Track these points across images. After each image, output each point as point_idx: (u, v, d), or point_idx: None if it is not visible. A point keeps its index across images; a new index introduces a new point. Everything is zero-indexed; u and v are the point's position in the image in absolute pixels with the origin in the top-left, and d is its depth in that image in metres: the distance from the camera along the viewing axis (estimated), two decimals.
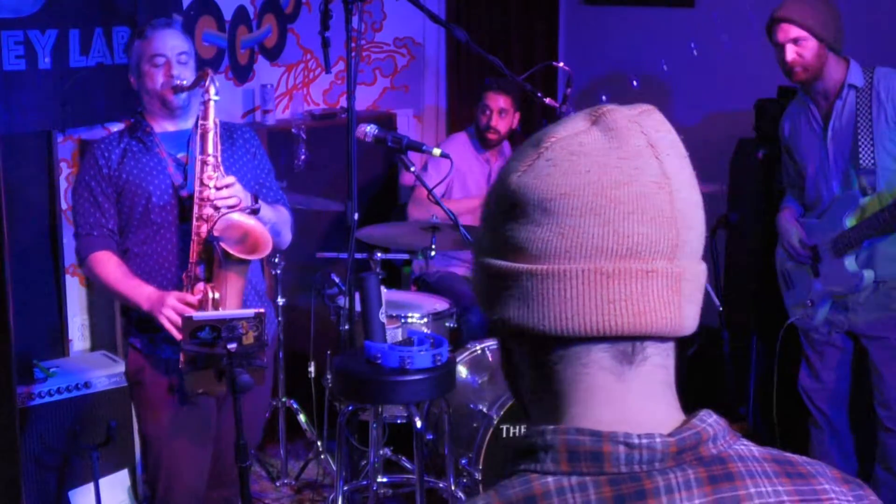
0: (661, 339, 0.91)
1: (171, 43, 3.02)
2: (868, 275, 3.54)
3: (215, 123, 2.98)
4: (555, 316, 0.88)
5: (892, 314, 3.59)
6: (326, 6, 3.35)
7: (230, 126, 3.18)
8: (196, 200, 2.93)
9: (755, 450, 0.92)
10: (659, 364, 0.91)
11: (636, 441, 0.86)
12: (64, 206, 4.06)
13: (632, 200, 0.87)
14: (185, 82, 2.99)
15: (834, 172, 3.58)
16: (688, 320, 0.91)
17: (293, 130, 4.74)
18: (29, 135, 3.92)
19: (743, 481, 0.88)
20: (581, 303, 0.88)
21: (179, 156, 3.06)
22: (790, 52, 3.47)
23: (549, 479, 0.86)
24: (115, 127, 3.93)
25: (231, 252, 2.85)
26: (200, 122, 2.98)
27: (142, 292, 2.96)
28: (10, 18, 3.65)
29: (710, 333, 4.69)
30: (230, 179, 2.94)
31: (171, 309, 2.89)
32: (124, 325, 3.15)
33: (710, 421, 0.90)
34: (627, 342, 0.89)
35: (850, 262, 3.56)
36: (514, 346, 0.95)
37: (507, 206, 0.91)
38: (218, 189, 2.91)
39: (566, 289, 0.88)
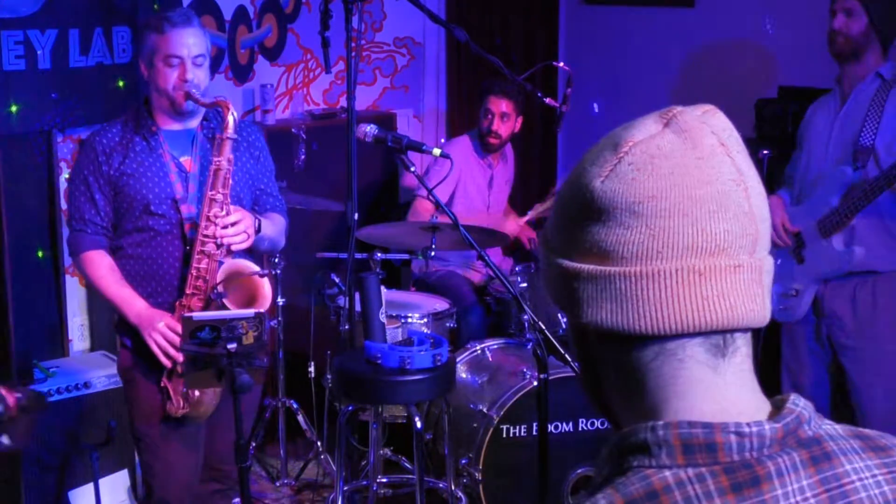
0: (746, 329, 0.95)
1: (188, 43, 2.93)
2: (858, 250, 3.52)
3: (229, 161, 2.93)
4: (651, 316, 0.91)
5: (867, 322, 3.56)
6: (326, 6, 3.35)
7: (238, 125, 3.11)
8: (199, 236, 2.92)
9: (838, 428, 0.96)
10: (746, 354, 0.95)
11: (746, 429, 0.89)
12: (64, 206, 4.05)
13: (715, 199, 0.91)
14: (196, 92, 2.91)
15: (831, 153, 3.57)
16: (768, 311, 0.95)
17: (293, 130, 4.74)
18: (29, 135, 3.92)
19: (839, 459, 0.92)
20: (677, 301, 0.91)
21: (183, 159, 3.01)
22: (839, 20, 3.49)
23: (667, 473, 0.89)
24: None
25: (231, 308, 2.88)
26: (214, 158, 2.92)
27: (132, 306, 2.95)
28: (10, 18, 3.65)
29: None
30: (235, 217, 2.93)
31: (161, 336, 2.91)
32: (115, 321, 3.13)
33: (801, 404, 0.94)
34: (719, 335, 0.93)
35: (838, 241, 3.55)
36: (598, 349, 0.97)
37: (593, 211, 0.93)
38: (224, 227, 2.91)
39: (661, 288, 0.91)
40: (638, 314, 0.92)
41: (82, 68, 3.88)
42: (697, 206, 0.90)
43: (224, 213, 2.92)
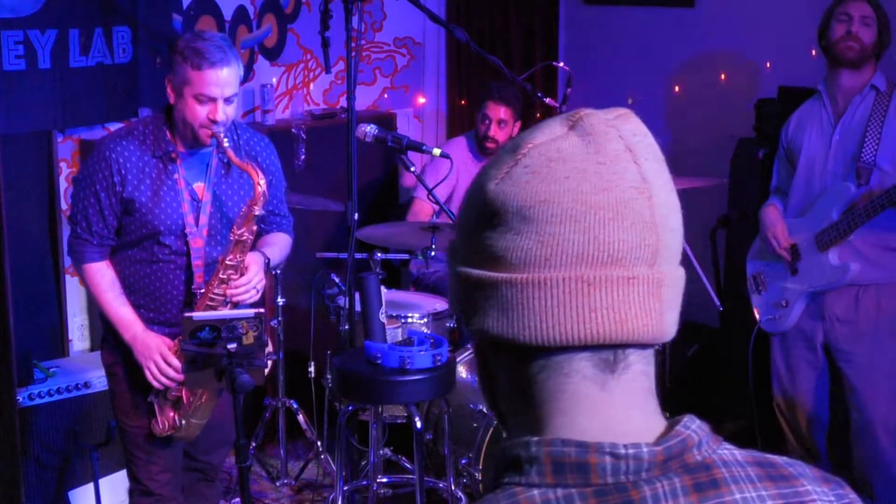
0: (643, 346, 0.90)
1: (223, 82, 2.82)
2: (855, 266, 3.52)
3: (251, 231, 2.91)
4: (535, 325, 0.87)
5: (869, 326, 3.56)
6: (326, 6, 3.35)
7: (253, 149, 3.06)
8: (210, 293, 2.92)
9: (738, 454, 0.91)
10: (640, 371, 0.90)
11: (622, 451, 0.85)
12: (64, 206, 4.06)
13: (612, 206, 0.86)
14: (224, 135, 2.84)
15: (831, 167, 3.57)
16: (668, 327, 0.90)
17: (293, 130, 4.74)
18: (29, 135, 3.92)
19: (728, 487, 0.87)
20: (562, 311, 0.86)
21: (196, 186, 2.96)
22: (857, 27, 3.49)
23: (535, 492, 0.85)
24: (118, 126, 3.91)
25: None
26: (236, 230, 2.90)
27: (129, 329, 2.95)
28: (10, 18, 3.65)
29: (710, 333, 4.69)
30: (246, 279, 2.93)
31: (156, 366, 2.91)
32: (101, 314, 3.10)
33: (693, 427, 0.89)
34: (609, 350, 0.88)
35: (833, 256, 3.55)
36: (491, 357, 0.94)
37: (485, 215, 0.90)
38: (236, 288, 2.92)
39: (547, 298, 0.87)
40: (522, 324, 0.87)
41: (82, 68, 3.88)
42: (591, 213, 0.86)
43: (238, 275, 2.92)
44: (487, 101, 4.58)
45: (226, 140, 2.85)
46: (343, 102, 5.21)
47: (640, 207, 0.87)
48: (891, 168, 3.47)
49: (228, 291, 2.92)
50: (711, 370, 4.65)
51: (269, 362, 3.00)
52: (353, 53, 3.41)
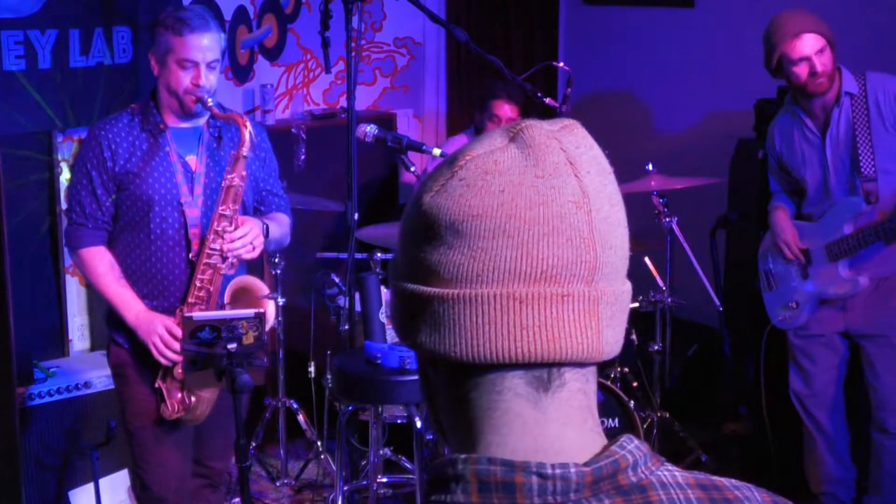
0: (580, 364, 0.88)
1: (204, 47, 2.89)
2: (863, 280, 3.54)
3: (242, 177, 2.92)
4: (466, 342, 0.86)
5: (889, 310, 3.58)
6: (326, 6, 3.35)
7: (253, 142, 3.09)
8: (206, 249, 2.93)
9: (679, 475, 0.88)
10: (578, 389, 0.88)
11: (549, 471, 0.83)
12: (64, 206, 4.05)
13: (547, 221, 0.84)
14: (209, 98, 2.90)
15: (834, 181, 3.57)
16: (608, 345, 0.88)
17: (293, 130, 4.74)
18: (29, 135, 3.92)
19: None
20: (493, 329, 0.85)
21: (188, 158, 3.00)
22: (819, 63, 3.43)
23: None
24: None
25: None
26: (227, 175, 2.92)
27: (131, 308, 2.95)
28: (10, 18, 3.65)
29: (710, 333, 4.69)
30: (243, 231, 2.93)
31: (161, 340, 2.92)
32: (106, 316, 3.12)
33: (630, 447, 0.87)
34: (543, 368, 0.86)
35: (843, 268, 3.56)
36: (430, 373, 0.92)
37: (420, 228, 0.88)
38: (231, 241, 2.92)
39: (478, 314, 0.85)
40: (454, 340, 0.86)
41: (82, 68, 3.88)
42: (525, 228, 0.84)
43: (233, 227, 2.92)
44: (495, 100, 4.51)
45: (210, 100, 2.89)
46: (343, 102, 5.21)
47: (577, 223, 0.85)
48: (894, 167, 3.48)
49: (224, 246, 2.91)
50: (711, 370, 4.65)
51: (273, 306, 2.99)
52: (353, 53, 3.41)
